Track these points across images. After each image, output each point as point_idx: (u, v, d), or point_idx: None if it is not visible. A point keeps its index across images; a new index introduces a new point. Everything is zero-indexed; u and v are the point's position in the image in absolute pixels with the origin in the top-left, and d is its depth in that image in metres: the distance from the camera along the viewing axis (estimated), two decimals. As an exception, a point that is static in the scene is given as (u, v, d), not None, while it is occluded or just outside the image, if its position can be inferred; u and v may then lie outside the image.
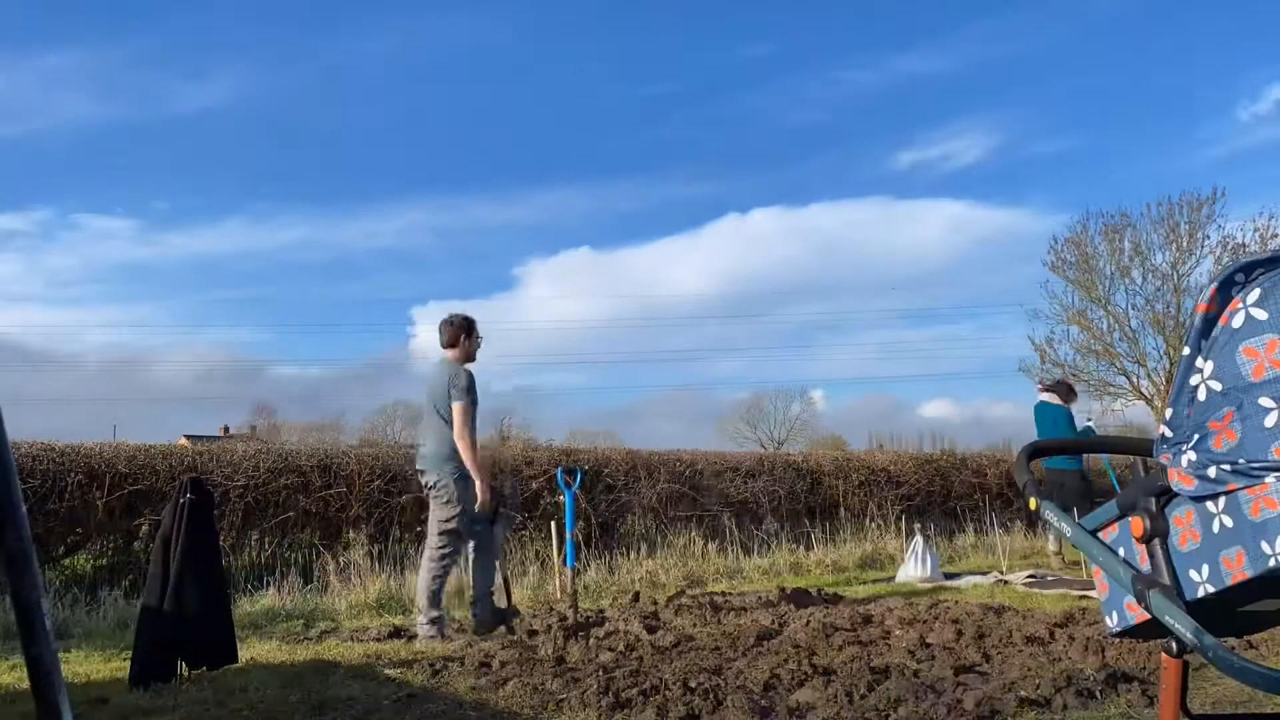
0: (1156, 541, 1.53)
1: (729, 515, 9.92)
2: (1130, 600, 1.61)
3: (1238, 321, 1.39)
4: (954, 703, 3.55)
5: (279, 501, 7.89)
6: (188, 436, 27.88)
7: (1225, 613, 1.56)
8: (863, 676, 3.94)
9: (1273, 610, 1.60)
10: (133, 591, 6.52)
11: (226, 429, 41.01)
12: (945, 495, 12.22)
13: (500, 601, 5.73)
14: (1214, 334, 1.43)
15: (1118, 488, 8.12)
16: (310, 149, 65.70)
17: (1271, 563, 1.34)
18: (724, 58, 62.29)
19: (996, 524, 10.90)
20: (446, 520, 5.48)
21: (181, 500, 4.36)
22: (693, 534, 9.26)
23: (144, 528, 7.36)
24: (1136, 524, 1.55)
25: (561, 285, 64.53)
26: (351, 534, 8.10)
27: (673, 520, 9.59)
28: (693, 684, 3.85)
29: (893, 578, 8.25)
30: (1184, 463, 1.44)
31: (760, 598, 6.51)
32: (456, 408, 5.40)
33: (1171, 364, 22.99)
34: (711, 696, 3.68)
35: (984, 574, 8.27)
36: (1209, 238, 23.28)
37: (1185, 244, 23.45)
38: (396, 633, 5.62)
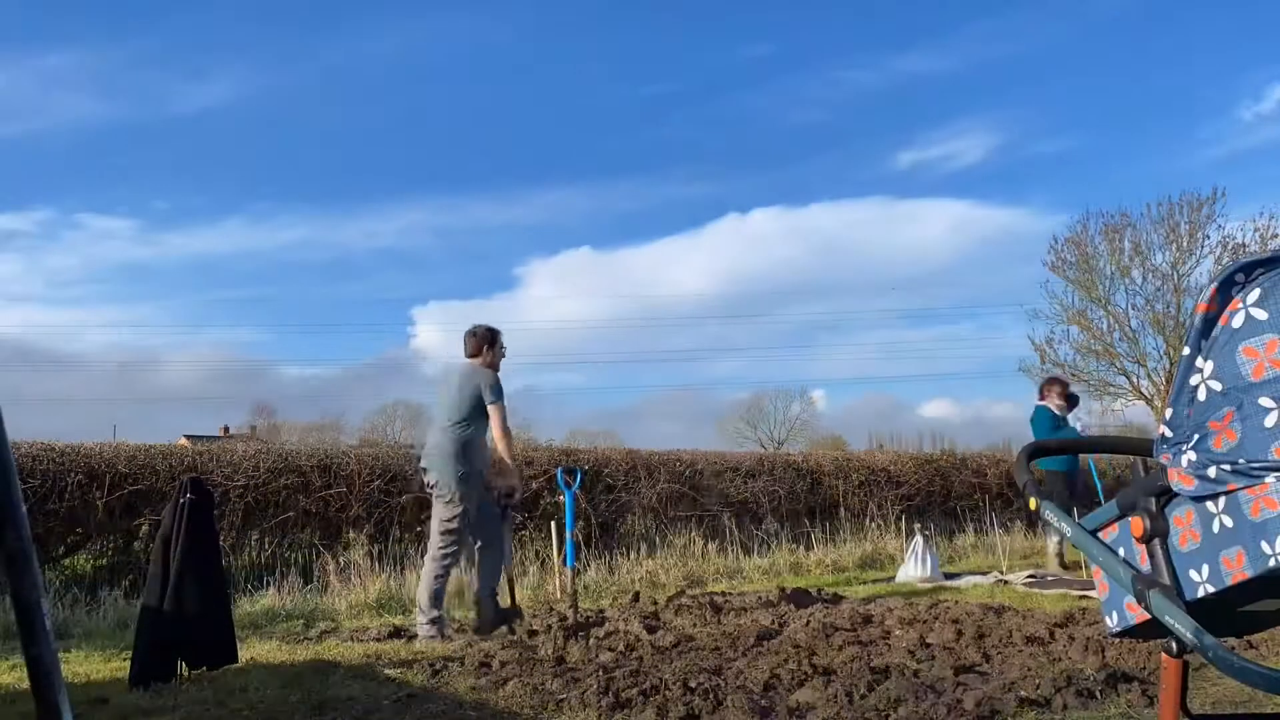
0: (1156, 541, 1.53)
1: (729, 515, 9.92)
2: (1130, 600, 1.61)
3: (1238, 321, 1.39)
4: (954, 703, 3.55)
5: (279, 501, 7.89)
6: (188, 436, 27.89)
7: (1225, 613, 1.56)
8: (863, 676, 3.94)
9: (1273, 610, 1.60)
10: (133, 591, 6.52)
11: (226, 429, 41.03)
12: (945, 495, 12.22)
13: (503, 601, 5.74)
14: (1214, 334, 1.43)
15: (1099, 484, 8.13)
16: (310, 149, 65.76)
17: (1271, 563, 1.34)
18: (724, 58, 62.33)
19: (996, 524, 10.90)
20: (448, 520, 5.49)
21: (181, 500, 4.36)
22: (693, 534, 9.26)
23: (144, 528, 7.37)
24: (1136, 524, 1.55)
25: (562, 285, 64.64)
26: (351, 534, 8.10)
27: (673, 520, 9.59)
28: (693, 684, 3.85)
29: (893, 578, 8.26)
30: (1184, 463, 1.44)
31: (760, 598, 6.51)
32: (494, 408, 5.58)
33: (1171, 364, 22.99)
34: (711, 696, 3.68)
35: (984, 574, 8.27)
36: (1209, 238, 23.31)
37: (1185, 244, 23.47)
38: (396, 633, 5.62)
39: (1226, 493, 1.39)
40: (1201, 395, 1.43)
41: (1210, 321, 1.43)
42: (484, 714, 3.66)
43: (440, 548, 5.50)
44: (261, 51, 60.64)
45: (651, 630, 5.33)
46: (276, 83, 61.72)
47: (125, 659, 4.62)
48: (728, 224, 66.94)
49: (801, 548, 9.64)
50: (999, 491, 12.41)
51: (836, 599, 6.68)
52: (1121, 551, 1.64)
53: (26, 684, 1.01)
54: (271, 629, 5.90)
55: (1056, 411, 8.38)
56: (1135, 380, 24.50)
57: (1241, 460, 1.35)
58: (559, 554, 7.19)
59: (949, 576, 8.15)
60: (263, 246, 66.02)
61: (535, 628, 5.60)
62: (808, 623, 5.38)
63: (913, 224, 61.77)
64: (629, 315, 71.25)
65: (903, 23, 58.76)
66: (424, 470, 5.67)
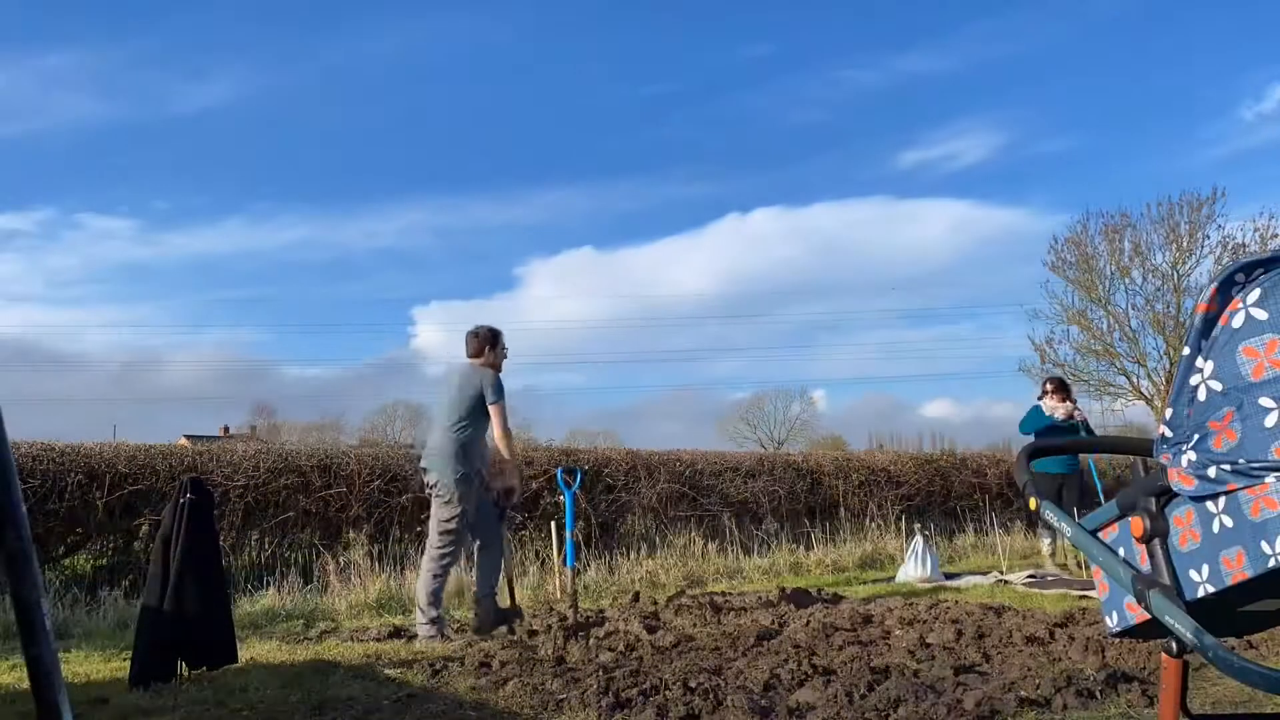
0: (1156, 541, 1.53)
1: (729, 515, 9.92)
2: (1130, 600, 1.61)
3: (1238, 321, 1.39)
4: (954, 703, 3.55)
5: (279, 501, 7.89)
6: (188, 436, 27.90)
7: (1225, 613, 1.56)
8: (863, 676, 3.94)
9: (1273, 610, 1.60)
10: (133, 591, 6.52)
11: (226, 429, 41.06)
12: (945, 495, 12.22)
13: (503, 601, 5.74)
14: (1214, 334, 1.43)
15: (1099, 485, 8.11)
16: (310, 149, 65.79)
17: (1271, 563, 1.34)
18: (724, 58, 62.36)
19: (996, 524, 10.91)
20: (447, 520, 5.49)
21: (181, 500, 4.36)
22: (693, 534, 9.26)
23: (144, 528, 7.36)
24: (1136, 524, 1.55)
25: (562, 285, 64.66)
26: (351, 534, 8.10)
27: (673, 520, 9.59)
28: (693, 684, 3.85)
29: (893, 578, 8.25)
30: (1184, 463, 1.44)
31: (760, 598, 6.51)
32: (495, 408, 5.60)
33: (1171, 364, 23.00)
34: (711, 696, 3.68)
35: (984, 574, 8.27)
36: (1209, 238, 23.35)
37: (1185, 244, 23.49)
38: (396, 633, 5.62)
39: (1226, 493, 1.39)
40: (1201, 395, 1.43)
41: (1210, 321, 1.43)
42: (484, 714, 3.66)
43: (439, 548, 5.50)
44: (261, 51, 60.72)
45: (651, 630, 5.33)
46: (276, 83, 61.80)
47: (125, 659, 4.62)
48: (728, 224, 67.02)
49: (801, 548, 9.64)
50: (999, 491, 12.41)
51: (836, 599, 6.67)
52: (1121, 551, 1.64)
53: (26, 684, 1.01)
54: (271, 629, 5.90)
55: (1046, 411, 8.32)
56: (1135, 380, 24.54)
57: (1241, 460, 1.35)
58: (559, 554, 7.19)
59: (949, 576, 8.14)
60: (263, 246, 66.10)
61: (535, 628, 5.60)
62: (808, 623, 5.38)
63: (913, 224, 61.86)
64: (629, 315, 71.30)
65: (903, 23, 58.83)
66: (424, 470, 5.67)
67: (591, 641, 5.05)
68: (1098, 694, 3.67)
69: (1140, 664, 4.15)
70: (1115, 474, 12.13)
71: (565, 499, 5.96)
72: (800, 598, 6.46)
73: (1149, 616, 1.54)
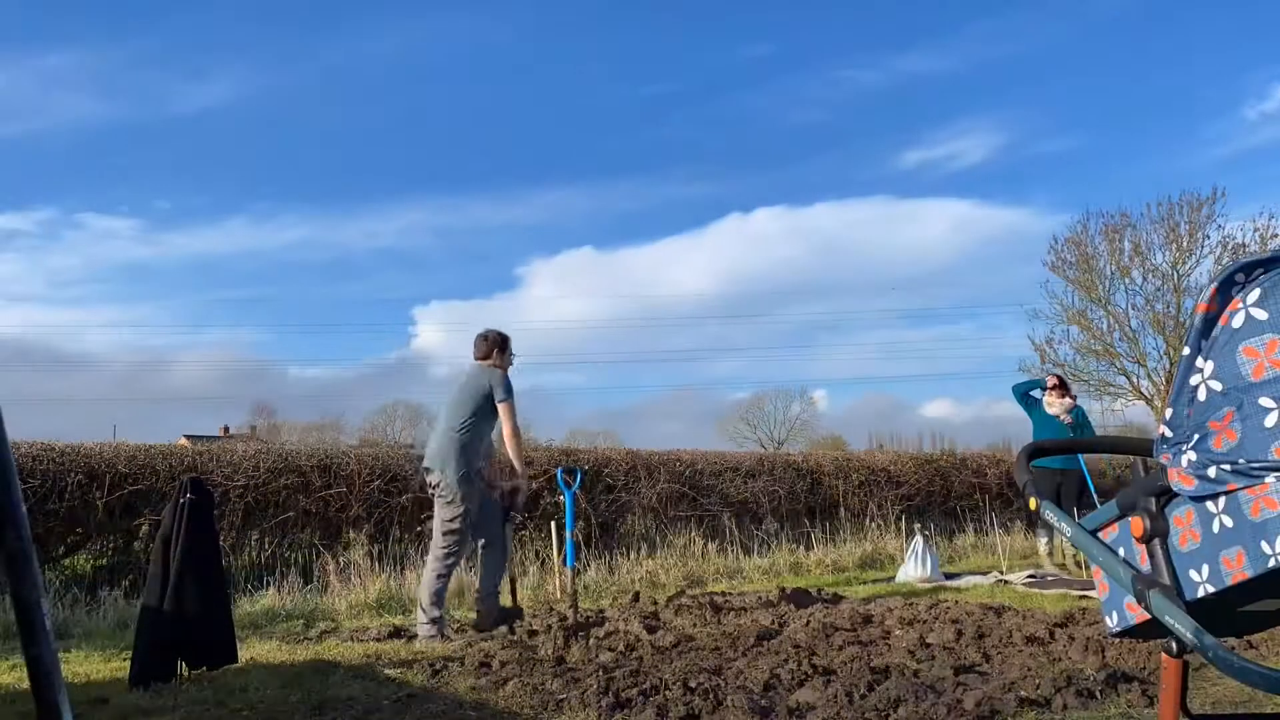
0: (1156, 541, 1.53)
1: (729, 515, 9.91)
2: (1130, 600, 1.61)
3: (1238, 321, 1.39)
4: (954, 703, 3.55)
5: (279, 501, 7.89)
6: (188, 436, 27.90)
7: (1225, 613, 1.56)
8: (863, 676, 3.94)
9: (1273, 610, 1.60)
10: (133, 591, 6.52)
11: (226, 429, 41.06)
12: (945, 495, 12.22)
13: (504, 600, 5.74)
14: (1214, 334, 1.43)
15: (1091, 485, 8.11)
16: (310, 149, 65.77)
17: (1271, 563, 1.34)
18: (724, 58, 62.33)
19: (996, 524, 10.91)
20: (450, 521, 5.49)
21: (181, 500, 4.36)
22: (693, 534, 9.26)
23: (144, 528, 7.36)
24: (1136, 524, 1.55)
25: (562, 285, 64.66)
26: (351, 534, 8.10)
27: (673, 520, 9.59)
28: (693, 684, 3.85)
29: (893, 578, 8.25)
30: (1184, 463, 1.44)
31: (760, 598, 6.51)
32: (504, 406, 5.61)
33: (1171, 364, 23.00)
34: (711, 696, 3.68)
35: (984, 574, 8.27)
36: (1209, 238, 23.37)
37: (1185, 244, 23.50)
38: (396, 633, 5.62)
39: (1226, 493, 1.39)
40: (1201, 395, 1.43)
41: (1210, 321, 1.43)
42: (484, 714, 3.66)
43: (442, 548, 5.50)
44: (261, 51, 60.70)
45: (651, 630, 5.33)
46: (276, 83, 61.78)
47: (125, 659, 4.62)
48: (729, 224, 67.05)
49: (801, 548, 9.64)
50: (999, 491, 12.41)
51: (836, 599, 6.67)
52: (1121, 551, 1.64)
53: (26, 684, 1.01)
54: (271, 629, 5.90)
55: (1047, 409, 8.37)
56: (1135, 380, 24.54)
57: (1241, 460, 1.35)
58: (559, 554, 7.19)
59: (949, 576, 8.14)
60: (263, 246, 66.09)
61: (535, 628, 5.60)
62: (808, 623, 5.38)
63: (913, 224, 61.84)
64: (629, 315, 71.30)
65: (903, 23, 58.81)
66: (426, 470, 5.67)
67: (591, 641, 5.05)
68: (1098, 694, 3.67)
69: (1140, 664, 4.15)
70: (1115, 474, 12.12)
71: (565, 499, 5.97)
72: (800, 598, 6.46)
73: (1149, 616, 1.54)
